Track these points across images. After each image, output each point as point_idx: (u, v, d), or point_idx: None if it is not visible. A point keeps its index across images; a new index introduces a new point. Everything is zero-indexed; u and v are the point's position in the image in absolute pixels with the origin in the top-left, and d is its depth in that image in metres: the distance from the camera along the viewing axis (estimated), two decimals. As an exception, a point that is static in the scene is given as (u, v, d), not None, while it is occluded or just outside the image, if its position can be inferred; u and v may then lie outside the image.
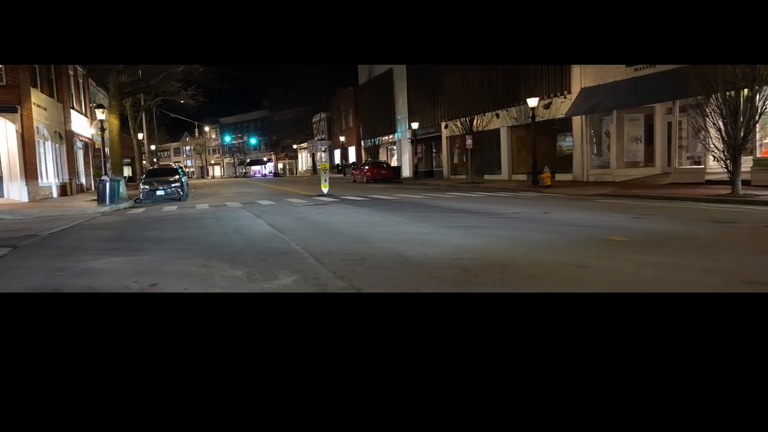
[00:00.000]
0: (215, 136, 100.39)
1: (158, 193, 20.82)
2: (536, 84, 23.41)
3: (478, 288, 4.74)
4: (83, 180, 30.81)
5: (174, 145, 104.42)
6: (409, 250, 6.83)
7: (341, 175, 49.40)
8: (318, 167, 59.65)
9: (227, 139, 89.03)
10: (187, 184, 23.39)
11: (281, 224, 10.59)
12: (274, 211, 13.92)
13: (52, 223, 12.89)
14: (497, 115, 26.48)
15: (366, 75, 45.85)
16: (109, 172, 22.29)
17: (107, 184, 20.22)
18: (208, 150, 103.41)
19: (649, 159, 19.78)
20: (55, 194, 24.37)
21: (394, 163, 40.51)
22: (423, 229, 9.04)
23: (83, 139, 31.94)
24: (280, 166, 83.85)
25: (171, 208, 17.22)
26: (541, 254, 6.36)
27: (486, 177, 28.54)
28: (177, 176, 22.85)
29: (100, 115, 21.54)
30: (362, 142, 50.09)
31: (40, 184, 22.45)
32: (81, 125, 31.04)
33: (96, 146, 34.09)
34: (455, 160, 33.56)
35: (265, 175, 79.83)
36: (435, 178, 34.53)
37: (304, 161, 70.81)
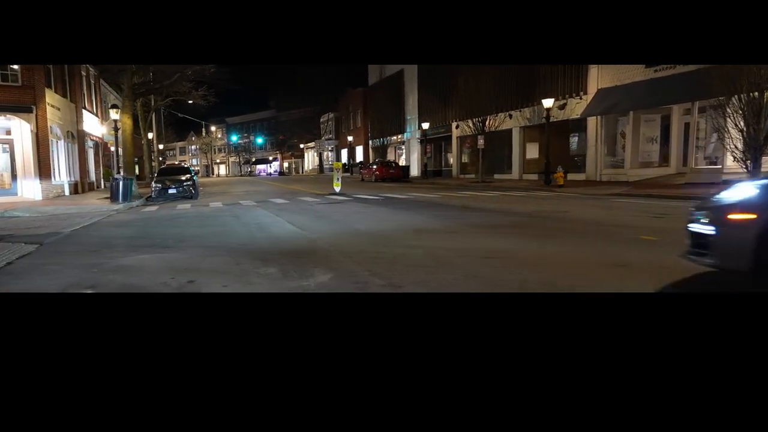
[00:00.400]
0: (221, 136, 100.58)
1: (170, 191, 20.81)
2: (551, 85, 23.32)
3: (510, 287, 4.69)
4: (93, 178, 30.90)
5: (180, 144, 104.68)
6: (438, 248, 6.79)
7: (348, 174, 49.42)
8: (331, 166, 60.06)
9: (234, 138, 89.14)
10: (198, 183, 23.40)
11: (302, 222, 10.55)
12: (291, 209, 13.88)
13: (71, 220, 12.89)
14: (510, 116, 26.41)
15: (376, 76, 45.82)
16: (122, 171, 22.31)
17: (120, 183, 20.27)
18: (214, 149, 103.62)
19: (664, 159, 19.66)
20: (66, 192, 24.41)
21: (402, 162, 40.45)
22: (447, 228, 8.99)
23: (94, 138, 32.02)
24: (285, 165, 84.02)
25: (185, 206, 17.20)
26: (574, 253, 6.30)
27: (496, 176, 28.45)
28: (188, 175, 22.86)
29: (114, 115, 21.54)
30: (370, 142, 50.08)
31: (53, 183, 22.51)
32: (92, 125, 31.11)
33: (108, 145, 34.22)
34: (465, 160, 33.48)
35: (270, 174, 79.98)
36: (444, 177, 34.46)
37: (310, 160, 70.85)
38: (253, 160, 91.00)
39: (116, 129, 21.75)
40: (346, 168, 56.36)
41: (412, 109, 40.57)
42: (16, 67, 19.96)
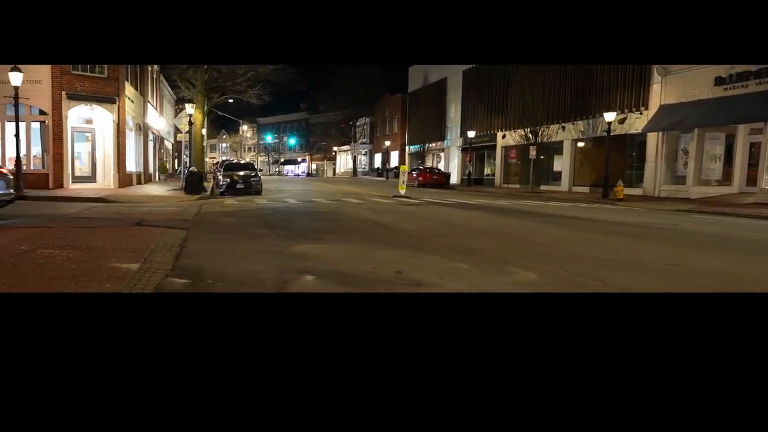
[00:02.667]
0: (251, 135, 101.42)
1: (238, 186, 21.17)
2: (610, 99, 23.35)
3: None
4: (151, 170, 31.49)
5: (211, 141, 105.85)
6: (582, 250, 6.94)
7: (382, 179, 49.72)
8: (365, 169, 60.65)
9: (268, 138, 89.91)
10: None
11: (417, 223, 10.74)
12: (379, 209, 14.06)
13: (175, 208, 13.19)
14: (563, 128, 26.44)
15: (419, 82, 46.03)
16: (193, 165, 22.72)
17: (194, 176, 20.70)
18: (244, 148, 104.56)
19: (726, 178, 19.60)
20: (133, 182, 24.91)
21: (440, 169, 40.60)
22: (576, 234, 9.14)
23: (154, 131, 32.65)
24: (314, 167, 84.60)
25: (262, 200, 17.50)
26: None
27: (542, 187, 28.47)
28: (254, 171, 23.25)
29: (190, 109, 22.01)
30: (407, 148, 50.27)
31: (126, 172, 23.00)
32: (153, 118, 31.73)
33: (163, 139, 34.83)
34: (509, 170, 33.54)
35: (297, 175, 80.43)
36: (485, 185, 34.53)
37: (343, 163, 71.17)
38: (282, 160, 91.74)
39: (190, 123, 22.16)
40: (380, 173, 56.82)
41: (454, 116, 40.71)
42: (103, 60, 20.45)
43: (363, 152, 63.37)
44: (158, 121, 34.08)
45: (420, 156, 45.57)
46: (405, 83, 50.81)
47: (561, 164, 28.05)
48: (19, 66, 16.46)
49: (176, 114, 45.22)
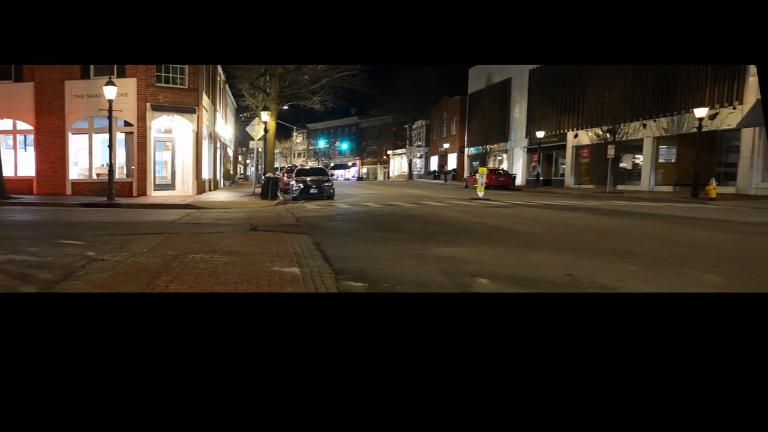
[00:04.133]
0: (300, 141, 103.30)
1: (311, 191, 21.48)
2: (699, 94, 22.44)
3: None
4: (218, 177, 32.49)
5: (261, 147, 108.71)
6: (743, 252, 6.64)
7: (440, 181, 49.53)
8: (420, 172, 60.86)
9: (321, 143, 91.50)
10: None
11: (528, 225, 10.60)
12: (474, 212, 13.96)
13: (266, 213, 13.47)
14: (644, 125, 25.61)
15: (480, 84, 45.68)
16: (268, 171, 23.25)
17: (271, 182, 21.15)
18: (294, 153, 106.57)
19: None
20: (206, 189, 25.73)
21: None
22: (721, 235, 8.80)
23: (221, 139, 33.68)
24: (364, 170, 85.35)
25: (342, 205, 17.68)
26: None
27: (619, 187, 27.63)
28: (327, 176, 23.59)
29: (265, 116, 22.56)
30: (466, 150, 49.91)
31: (202, 179, 23.79)
32: (221, 127, 32.74)
33: (226, 147, 35.85)
34: (580, 170, 32.78)
35: (347, 179, 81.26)
36: (554, 186, 33.82)
37: (397, 167, 71.39)
38: (332, 165, 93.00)
39: (266, 131, 22.70)
40: (436, 175, 56.68)
41: (518, 117, 40.16)
42: (185, 72, 21.26)
43: (418, 155, 63.37)
44: (224, 129, 35.15)
45: (481, 158, 45.14)
46: (464, 85, 50.57)
47: (640, 163, 27.13)
48: (113, 80, 17.28)
49: (237, 122, 46.57)
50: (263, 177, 22.01)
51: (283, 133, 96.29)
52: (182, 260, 6.39)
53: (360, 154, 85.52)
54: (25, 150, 21.73)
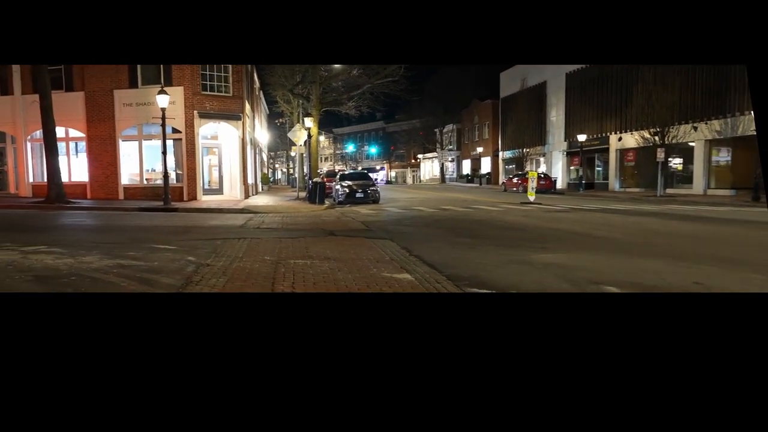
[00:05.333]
0: (327, 145, 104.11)
1: (357, 195, 21.60)
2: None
3: None
4: (257, 181, 33.00)
5: (284, 151, 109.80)
6: None
7: (474, 185, 49.37)
8: (452, 176, 60.87)
9: (350, 148, 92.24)
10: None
11: (607, 231, 10.54)
12: (536, 216, 13.91)
13: (325, 218, 13.56)
14: (695, 128, 25.21)
15: (513, 87, 45.52)
16: (312, 176, 23.52)
17: (319, 186, 21.39)
18: (321, 158, 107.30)
19: None
20: (250, 193, 26.12)
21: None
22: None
23: (259, 144, 34.19)
24: (393, 174, 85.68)
25: (393, 209, 17.74)
26: None
27: (668, 191, 27.19)
28: (371, 181, 23.74)
29: (309, 123, 22.85)
30: (500, 154, 49.70)
31: (248, 183, 24.19)
32: (257, 132, 33.24)
33: (262, 152, 36.31)
34: (625, 173, 32.39)
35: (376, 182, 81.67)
36: (598, 190, 33.44)
37: (428, 170, 71.45)
38: (360, 168, 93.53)
39: (309, 136, 22.98)
40: (470, 179, 56.52)
41: (555, 120, 39.88)
42: (229, 81, 21.68)
43: (450, 159, 63.33)
44: (260, 134, 35.67)
45: (516, 161, 44.89)
46: (494, 89, 50.57)
47: (692, 166, 26.68)
48: (165, 89, 17.73)
49: (270, 128, 47.22)
50: (310, 182, 22.26)
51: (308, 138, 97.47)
52: (286, 266, 6.53)
53: (388, 158, 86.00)
54: (77, 156, 22.39)
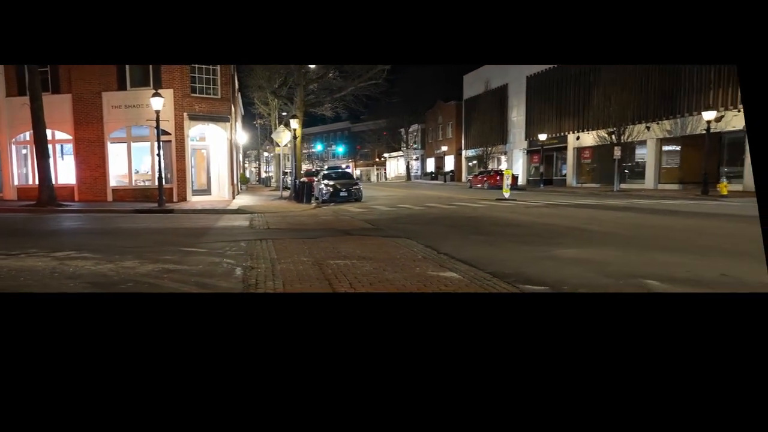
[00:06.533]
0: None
1: (341, 194, 21.41)
2: (701, 97, 23.02)
3: None
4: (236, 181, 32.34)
5: (253, 151, 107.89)
6: None
7: (439, 182, 49.78)
8: (491, 173, 60.63)
9: (319, 147, 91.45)
10: None
11: (601, 226, 10.76)
12: (522, 212, 14.13)
13: (325, 217, 13.38)
14: (647, 128, 26.13)
15: (476, 89, 46.12)
16: (297, 175, 23.20)
17: (306, 186, 21.12)
18: (287, 157, 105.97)
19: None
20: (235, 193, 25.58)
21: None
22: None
23: (237, 145, 33.47)
24: (357, 172, 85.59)
25: (382, 207, 17.65)
26: None
27: (622, 186, 28.12)
28: (355, 179, 23.61)
29: (294, 124, 22.51)
30: (463, 152, 50.29)
31: (234, 183, 23.67)
32: (238, 133, 32.54)
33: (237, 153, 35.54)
34: (582, 170, 33.32)
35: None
36: (556, 186, 34.26)
37: (393, 169, 71.62)
38: (326, 167, 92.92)
39: (295, 137, 22.66)
40: (434, 177, 56.94)
41: (516, 120, 40.61)
42: (217, 83, 21.13)
43: (415, 157, 63.65)
44: (239, 135, 34.94)
45: (478, 159, 45.53)
46: (457, 91, 51.25)
47: (644, 163, 27.68)
48: (159, 92, 17.15)
49: (244, 128, 46.19)
50: (297, 181, 21.97)
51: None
52: (328, 266, 6.43)
53: (353, 157, 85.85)
54: (62, 159, 21.40)
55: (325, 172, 25.16)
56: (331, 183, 21.78)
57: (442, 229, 10.65)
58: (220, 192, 22.13)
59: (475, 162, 46.91)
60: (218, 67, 21.10)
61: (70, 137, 20.72)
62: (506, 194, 20.51)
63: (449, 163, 54.80)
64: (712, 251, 7.15)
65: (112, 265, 6.64)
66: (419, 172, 62.92)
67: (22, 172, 21.52)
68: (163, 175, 17.40)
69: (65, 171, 21.08)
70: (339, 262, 6.76)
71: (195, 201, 20.29)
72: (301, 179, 21.65)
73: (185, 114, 20.32)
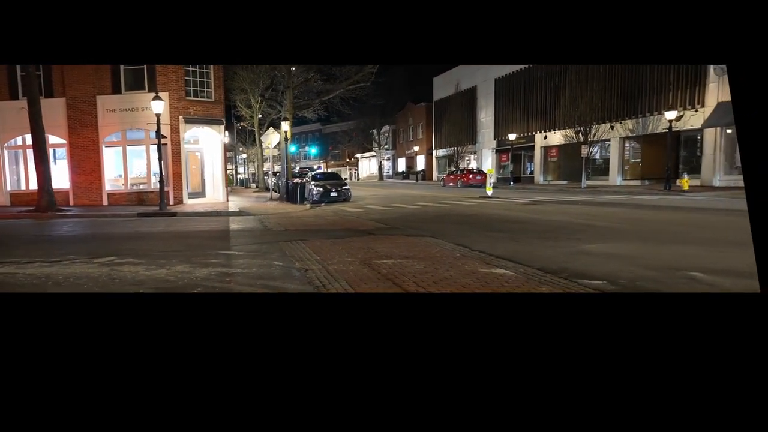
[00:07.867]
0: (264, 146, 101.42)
1: (332, 194, 21.22)
2: (662, 98, 23.85)
3: None
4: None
5: (230, 153, 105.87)
6: None
7: (411, 181, 49.98)
8: (389, 173, 61.04)
9: (293, 149, 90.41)
10: None
11: (602, 221, 11.00)
12: (515, 209, 14.32)
13: (331, 217, 13.22)
14: (612, 127, 26.90)
15: (446, 91, 46.44)
16: (288, 177, 22.86)
17: (298, 187, 20.87)
18: (270, 158, 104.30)
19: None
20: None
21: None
22: None
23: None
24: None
25: (375, 206, 17.59)
26: None
27: (589, 182, 28.89)
28: (344, 180, 23.45)
29: (286, 126, 22.18)
30: (434, 152, 50.61)
31: (227, 186, 23.13)
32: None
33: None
34: (548, 168, 34.04)
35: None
36: (525, 183, 34.91)
37: (365, 169, 71.46)
38: (297, 168, 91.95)
39: (286, 139, 22.33)
40: (406, 176, 57.16)
41: (485, 121, 41.11)
42: (211, 86, 20.60)
43: (386, 158, 63.68)
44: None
45: (449, 159, 45.94)
46: (426, 92, 51.48)
47: (608, 160, 28.50)
48: (152, 95, 16.60)
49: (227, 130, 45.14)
50: (289, 182, 21.66)
51: (250, 138, 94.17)
52: (379, 266, 6.36)
53: (325, 158, 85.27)
54: (55, 163, 20.44)
55: (314, 173, 24.91)
56: (321, 184, 21.55)
57: (454, 226, 10.68)
58: (214, 194, 21.60)
59: (445, 161, 47.34)
60: (211, 71, 20.57)
61: (64, 141, 19.82)
62: (489, 192, 20.76)
63: (420, 163, 55.07)
64: (721, 243, 7.41)
65: (165, 270, 6.40)
66: (391, 172, 63.02)
67: (14, 178, 20.48)
68: (163, 179, 16.84)
69: (59, 176, 20.08)
70: (386, 261, 6.70)
71: (191, 204, 19.74)
72: (295, 181, 21.34)
73: (181, 117, 19.72)
